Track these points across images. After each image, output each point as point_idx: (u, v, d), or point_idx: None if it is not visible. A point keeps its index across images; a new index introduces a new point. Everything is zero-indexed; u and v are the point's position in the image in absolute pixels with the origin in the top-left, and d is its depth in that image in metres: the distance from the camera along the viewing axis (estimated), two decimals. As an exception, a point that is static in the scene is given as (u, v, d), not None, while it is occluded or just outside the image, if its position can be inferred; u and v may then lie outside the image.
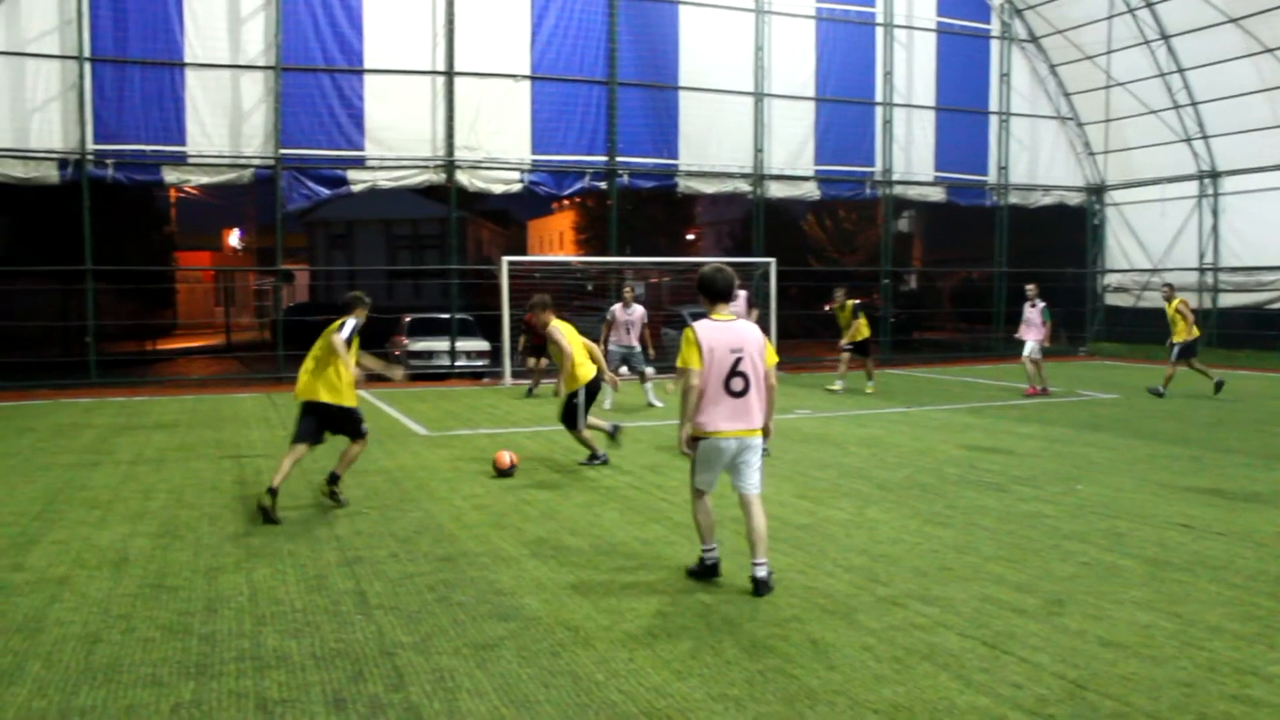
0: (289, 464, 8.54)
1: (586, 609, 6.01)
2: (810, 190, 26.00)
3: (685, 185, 24.59)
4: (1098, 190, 29.29)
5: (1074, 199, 29.32)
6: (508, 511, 8.68)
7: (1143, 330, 18.74)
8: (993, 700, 4.68)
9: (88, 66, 19.68)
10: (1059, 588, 6.42)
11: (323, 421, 8.79)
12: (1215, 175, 26.33)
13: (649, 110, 23.97)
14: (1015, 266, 27.60)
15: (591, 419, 11.07)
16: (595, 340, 17.24)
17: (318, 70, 21.27)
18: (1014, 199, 28.20)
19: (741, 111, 24.78)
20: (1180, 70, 25.76)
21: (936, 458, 11.46)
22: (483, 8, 22.30)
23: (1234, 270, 26.39)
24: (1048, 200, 28.90)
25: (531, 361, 18.92)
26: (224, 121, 20.76)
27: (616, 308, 16.84)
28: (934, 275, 45.04)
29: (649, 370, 16.02)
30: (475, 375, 22.17)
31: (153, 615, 5.92)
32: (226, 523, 8.29)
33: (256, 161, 21.02)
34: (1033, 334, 18.32)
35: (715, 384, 6.29)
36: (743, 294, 17.67)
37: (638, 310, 16.78)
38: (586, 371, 10.92)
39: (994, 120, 27.76)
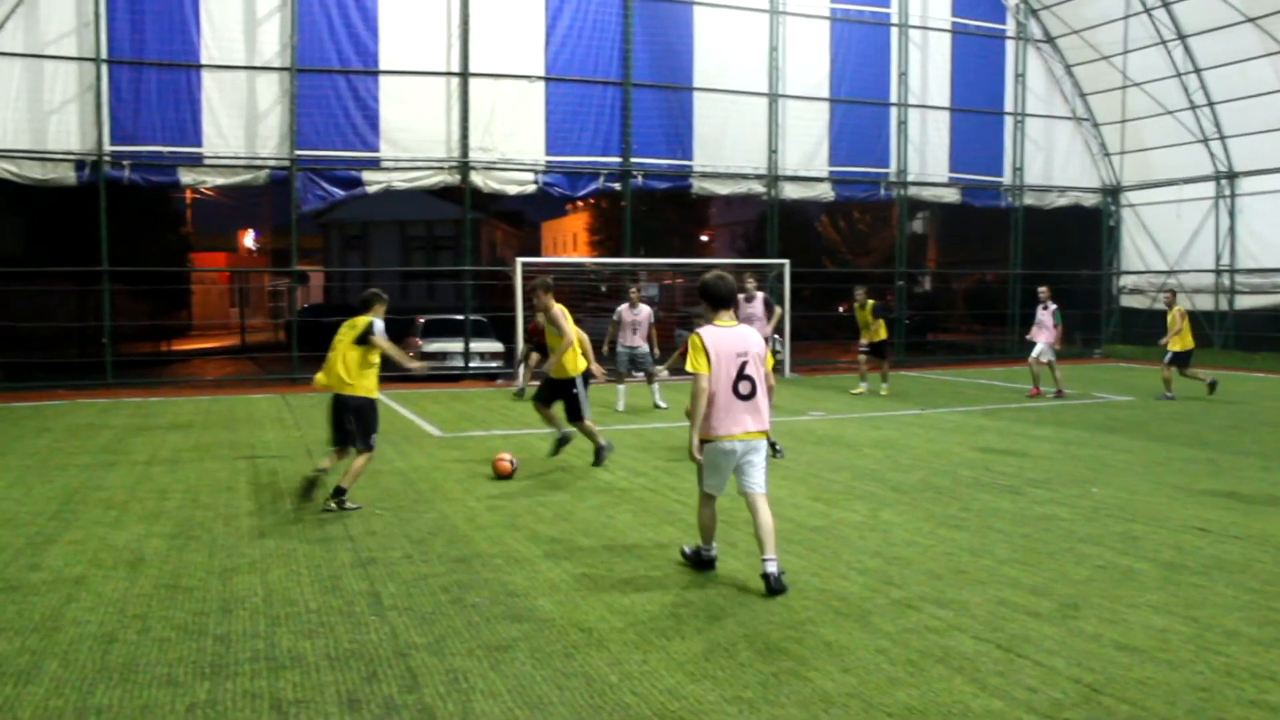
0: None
1: (600, 610, 6.01)
2: (825, 191, 25.97)
3: (699, 186, 24.58)
4: (1113, 191, 29.16)
5: (1089, 200, 29.20)
6: (521, 513, 8.69)
7: (1158, 332, 18.65)
8: (1007, 704, 4.66)
9: (105, 68, 19.80)
10: (1074, 591, 6.39)
11: (340, 415, 8.94)
12: (1232, 176, 26.19)
13: (663, 111, 23.98)
14: (1030, 268, 27.48)
15: (553, 411, 11.00)
16: (602, 339, 17.33)
17: (333, 72, 21.35)
18: (1029, 200, 28.09)
19: (756, 112, 24.76)
20: (1197, 70, 25.63)
21: (951, 460, 11.43)
22: (497, 9, 22.35)
23: (1251, 272, 26.25)
24: (1063, 201, 28.79)
25: (535, 357, 18.29)
26: (239, 123, 20.85)
27: (623, 308, 16.83)
28: (948, 277, 44.92)
29: (662, 373, 16.01)
30: (489, 376, 22.20)
31: (168, 615, 5.94)
32: (241, 524, 8.32)
33: (272, 163, 21.11)
34: (1044, 336, 18.27)
35: (724, 388, 6.41)
36: (760, 295, 17.65)
37: (644, 310, 16.77)
38: (582, 362, 10.91)
39: (1009, 121, 27.66)
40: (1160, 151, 27.50)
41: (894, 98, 26.11)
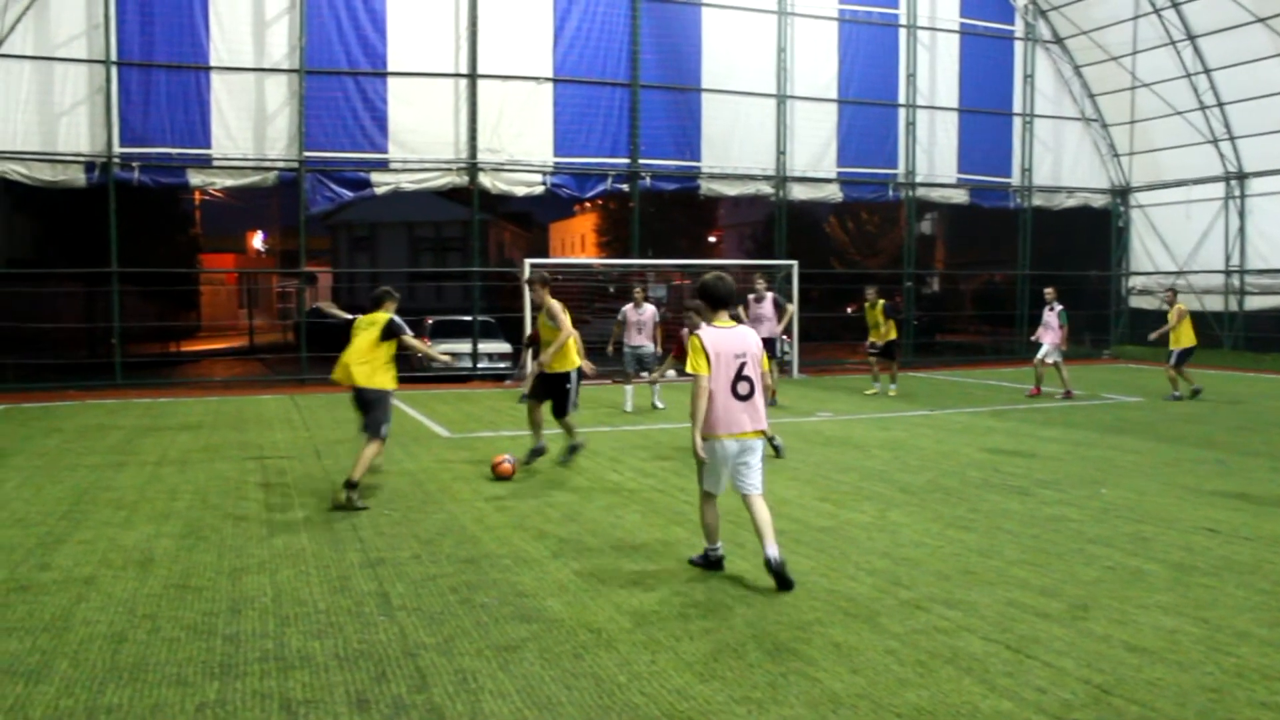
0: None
1: (609, 611, 6.01)
2: (833, 192, 25.93)
3: (707, 188, 24.58)
4: (1122, 192, 29.09)
5: (1098, 201, 29.13)
6: (530, 513, 8.70)
7: (1167, 333, 18.59)
8: (1016, 705, 4.66)
9: (114, 70, 19.87)
10: (1083, 592, 6.38)
11: (363, 406, 9.29)
12: (1242, 177, 26.12)
13: (671, 112, 23.98)
14: (1038, 269, 27.40)
15: (542, 412, 11.01)
16: (608, 339, 17.33)
17: (341, 73, 21.39)
18: (1038, 201, 28.02)
19: (764, 113, 24.74)
20: (1206, 71, 25.56)
21: (959, 461, 11.41)
22: (505, 10, 22.37)
23: (1261, 273, 26.16)
24: (1072, 202, 28.72)
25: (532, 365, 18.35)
26: (248, 124, 20.90)
27: (628, 308, 16.83)
28: (957, 278, 44.83)
29: (670, 374, 16.00)
30: (497, 377, 22.22)
31: (178, 615, 5.96)
32: (250, 524, 8.33)
33: (280, 164, 21.15)
34: (1049, 337, 18.26)
35: (723, 388, 6.52)
36: (769, 295, 17.63)
37: (648, 310, 16.77)
38: (575, 358, 10.92)
39: (1018, 122, 27.61)
40: (1169, 152, 27.43)
41: (902, 99, 26.08)
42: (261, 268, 56.42)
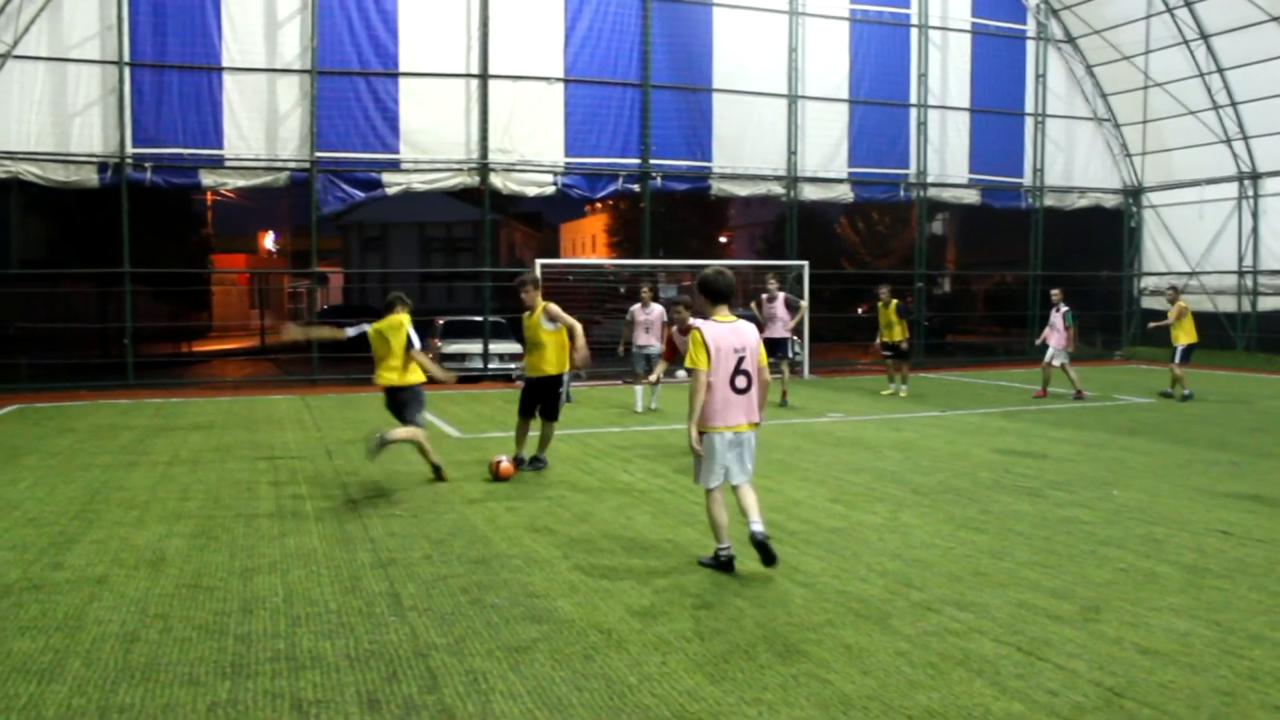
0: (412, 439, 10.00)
1: (619, 612, 6.01)
2: (844, 193, 25.89)
3: (718, 188, 24.57)
4: (1135, 192, 28.99)
5: (1110, 201, 29.04)
6: (540, 514, 8.70)
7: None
8: (1028, 707, 4.64)
9: (127, 71, 19.96)
10: (1095, 594, 6.36)
11: (394, 403, 10.08)
12: (1255, 177, 26.00)
13: (682, 112, 23.98)
14: (1050, 269, 27.32)
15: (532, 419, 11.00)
16: (619, 340, 17.30)
17: (353, 74, 21.44)
18: (1049, 201, 27.95)
19: (775, 113, 24.73)
20: (1220, 70, 25.46)
21: (970, 462, 11.38)
22: (517, 11, 22.41)
23: (1274, 273, 26.04)
24: (1084, 202, 28.63)
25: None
26: (260, 125, 20.97)
27: (635, 308, 16.83)
28: (968, 278, 44.73)
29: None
30: (508, 377, 22.24)
31: (189, 615, 5.97)
32: (262, 524, 8.35)
33: (292, 164, 21.21)
34: (1054, 339, 18.22)
35: (721, 382, 6.66)
36: (781, 295, 17.62)
37: (656, 309, 16.75)
38: (565, 361, 10.89)
39: (1029, 122, 27.54)
40: (1182, 152, 27.33)
41: (914, 99, 26.03)
42: (273, 268, 56.61)
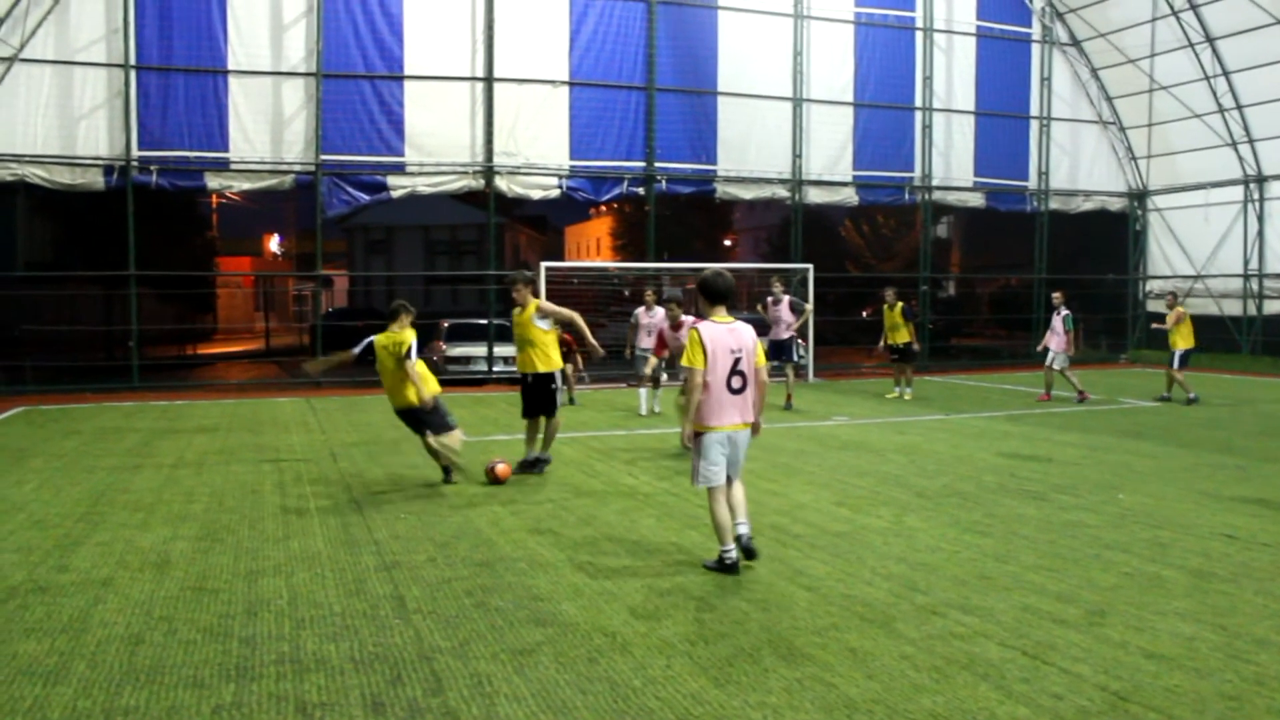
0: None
1: (624, 615, 6.01)
2: (849, 196, 25.86)
3: (723, 191, 24.55)
4: (1140, 195, 28.94)
5: (1116, 204, 28.99)
6: (545, 517, 8.70)
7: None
8: (1033, 711, 4.64)
9: (133, 74, 19.99)
10: (1100, 598, 6.35)
11: (411, 421, 10.21)
12: (1261, 180, 25.94)
13: (687, 115, 23.96)
14: (1055, 273, 27.27)
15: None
16: (625, 343, 17.29)
17: (358, 77, 21.46)
18: (1054, 204, 27.91)
19: (780, 117, 24.70)
20: (1225, 73, 25.41)
21: (975, 465, 11.37)
22: (522, 14, 22.41)
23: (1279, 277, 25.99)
24: (1089, 206, 28.60)
25: (568, 369, 18.39)
26: (265, 128, 20.99)
27: (639, 311, 16.84)
28: (973, 281, 44.69)
29: (649, 369, 15.94)
30: (512, 381, 22.21)
31: (194, 617, 5.98)
32: (266, 526, 8.36)
33: (297, 167, 21.23)
34: (1055, 343, 18.19)
35: (718, 382, 6.78)
36: (786, 298, 17.61)
37: (659, 312, 16.74)
38: (558, 359, 10.90)
39: (1034, 125, 27.51)
40: (1188, 155, 27.28)
41: (918, 102, 26.02)
42: (278, 271, 56.65)
